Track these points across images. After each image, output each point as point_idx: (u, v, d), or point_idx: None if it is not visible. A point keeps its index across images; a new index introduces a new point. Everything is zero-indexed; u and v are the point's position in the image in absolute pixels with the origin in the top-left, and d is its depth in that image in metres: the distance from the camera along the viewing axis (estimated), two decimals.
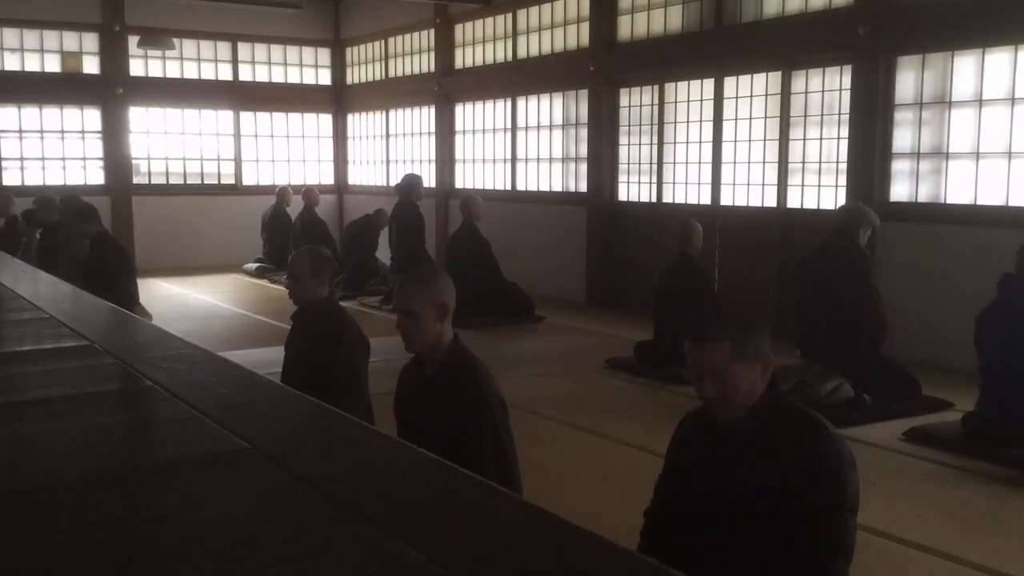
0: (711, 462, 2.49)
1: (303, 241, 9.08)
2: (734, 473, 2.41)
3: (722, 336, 2.38)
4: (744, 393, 2.39)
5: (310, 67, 14.20)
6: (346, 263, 10.30)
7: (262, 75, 13.78)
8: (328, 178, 14.42)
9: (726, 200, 8.41)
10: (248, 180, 13.80)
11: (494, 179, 11.37)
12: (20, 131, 12.36)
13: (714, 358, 2.38)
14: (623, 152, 9.57)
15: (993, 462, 4.56)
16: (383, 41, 13.38)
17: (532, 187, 10.78)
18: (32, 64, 12.28)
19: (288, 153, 14.13)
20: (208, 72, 13.41)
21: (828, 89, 7.51)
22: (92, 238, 6.81)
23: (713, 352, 2.38)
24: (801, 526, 2.31)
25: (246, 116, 13.70)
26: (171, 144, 13.34)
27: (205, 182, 13.55)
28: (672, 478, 2.63)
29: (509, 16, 10.90)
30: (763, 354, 2.40)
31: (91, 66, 12.61)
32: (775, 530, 2.31)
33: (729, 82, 8.32)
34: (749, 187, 8.21)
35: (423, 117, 12.68)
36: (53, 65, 12.39)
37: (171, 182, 13.37)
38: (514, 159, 11.00)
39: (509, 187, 11.06)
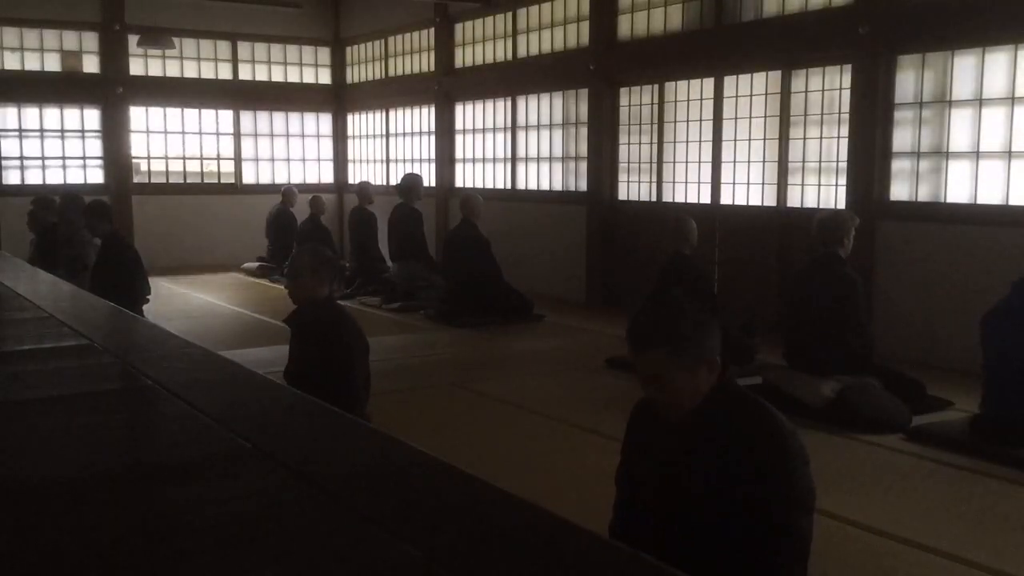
0: (657, 456, 2.40)
1: None
2: (679, 468, 2.33)
3: (658, 341, 2.27)
4: (687, 396, 2.29)
5: (310, 66, 14.19)
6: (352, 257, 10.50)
7: (262, 74, 13.77)
8: (328, 177, 14.41)
9: (726, 199, 8.41)
10: (248, 179, 13.79)
11: (494, 178, 11.37)
12: (20, 131, 12.35)
13: (652, 363, 2.28)
14: (623, 151, 9.57)
15: (995, 461, 4.56)
16: (383, 40, 13.38)
17: (532, 186, 10.78)
18: (32, 63, 12.27)
19: (288, 152, 14.12)
20: (208, 71, 13.40)
21: (828, 88, 7.51)
22: (104, 236, 6.78)
23: (650, 357, 2.28)
24: (751, 524, 2.21)
25: (246, 115, 13.69)
26: (171, 143, 13.33)
27: (205, 181, 13.54)
28: (624, 470, 2.56)
29: (509, 15, 10.89)
30: (706, 356, 2.28)
31: (91, 65, 12.60)
32: (724, 529, 2.22)
33: (729, 81, 8.32)
34: (749, 186, 8.20)
35: (423, 116, 12.67)
36: (53, 64, 12.38)
37: (171, 181, 13.36)
38: (514, 158, 11.00)
39: (509, 186, 11.06)
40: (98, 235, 6.84)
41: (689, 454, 2.32)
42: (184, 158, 13.43)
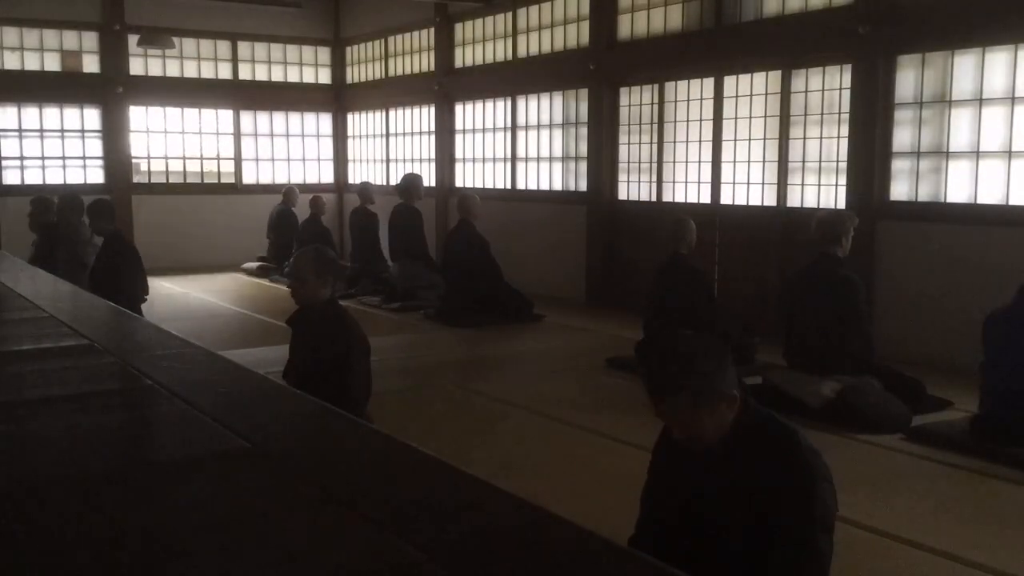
0: (683, 480, 2.47)
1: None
2: (705, 491, 2.39)
3: (676, 390, 2.33)
4: (710, 433, 2.35)
5: (310, 66, 14.19)
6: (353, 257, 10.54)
7: (262, 74, 13.77)
8: (328, 177, 14.41)
9: (726, 199, 8.41)
10: (248, 179, 13.79)
11: (494, 178, 11.37)
12: (20, 130, 12.35)
13: (675, 409, 2.35)
14: (623, 151, 9.57)
15: (995, 461, 4.55)
16: (383, 40, 13.38)
17: (532, 186, 10.78)
18: (32, 63, 12.27)
19: (288, 152, 14.11)
20: (208, 71, 13.40)
21: (828, 88, 7.51)
22: (106, 235, 6.77)
23: (673, 404, 2.35)
24: (774, 545, 2.26)
25: (246, 115, 13.69)
26: (171, 143, 13.33)
27: (205, 181, 13.54)
28: (651, 493, 2.63)
29: (509, 15, 10.89)
30: (725, 392, 2.34)
31: (91, 65, 12.60)
32: (749, 549, 2.28)
33: (729, 81, 8.31)
34: (749, 186, 8.20)
35: (423, 116, 12.68)
36: (53, 64, 12.38)
37: (171, 181, 13.36)
38: (514, 158, 11.00)
39: (509, 186, 11.06)
40: (101, 234, 6.84)
41: (715, 478, 2.38)
42: (184, 158, 13.42)
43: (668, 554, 2.40)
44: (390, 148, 13.52)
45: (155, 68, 13.00)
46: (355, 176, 14.29)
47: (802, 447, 2.34)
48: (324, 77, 14.30)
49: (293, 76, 14.04)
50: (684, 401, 2.32)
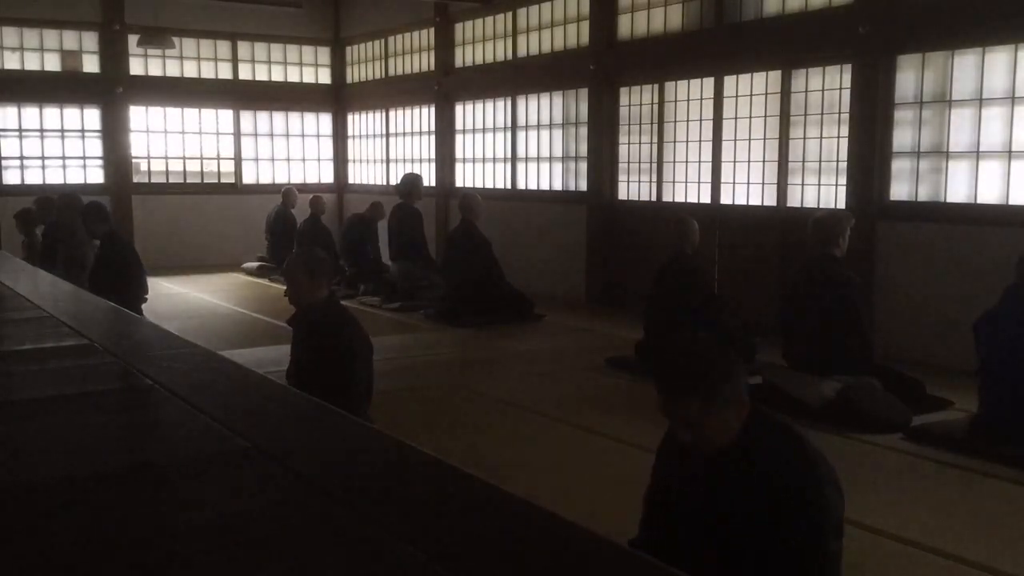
0: (688, 482, 2.47)
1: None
2: (711, 495, 2.38)
3: (690, 392, 2.34)
4: (717, 436, 2.36)
5: (310, 66, 14.19)
6: (344, 261, 10.46)
7: (262, 74, 13.77)
8: (328, 177, 14.41)
9: (726, 199, 8.41)
10: (248, 179, 13.79)
11: (494, 178, 11.37)
12: (20, 130, 12.35)
13: (685, 411, 2.35)
14: (623, 151, 9.57)
15: (994, 461, 4.55)
16: (383, 40, 13.38)
17: (532, 186, 10.78)
18: (32, 63, 12.27)
19: (288, 152, 14.12)
20: (208, 71, 13.40)
21: (828, 88, 7.51)
22: (102, 236, 6.78)
23: (683, 406, 2.35)
24: (782, 550, 2.26)
25: (246, 115, 13.69)
26: (171, 143, 13.32)
27: (205, 181, 13.54)
28: (656, 496, 2.62)
29: (509, 15, 10.89)
30: (736, 400, 2.35)
31: (91, 65, 12.60)
32: (755, 554, 2.27)
33: (729, 81, 8.32)
34: (749, 186, 8.20)
35: (423, 116, 12.68)
36: (53, 64, 12.38)
37: (171, 181, 13.35)
38: (514, 158, 11.00)
39: (509, 186, 11.06)
40: (96, 236, 6.85)
41: (720, 481, 2.38)
42: (184, 158, 13.43)
43: (672, 557, 2.40)
44: (390, 148, 13.52)
45: (155, 68, 13.00)
46: (355, 176, 14.30)
47: (810, 453, 2.35)
48: (324, 77, 14.30)
49: (293, 76, 14.04)
50: (694, 403, 2.32)
